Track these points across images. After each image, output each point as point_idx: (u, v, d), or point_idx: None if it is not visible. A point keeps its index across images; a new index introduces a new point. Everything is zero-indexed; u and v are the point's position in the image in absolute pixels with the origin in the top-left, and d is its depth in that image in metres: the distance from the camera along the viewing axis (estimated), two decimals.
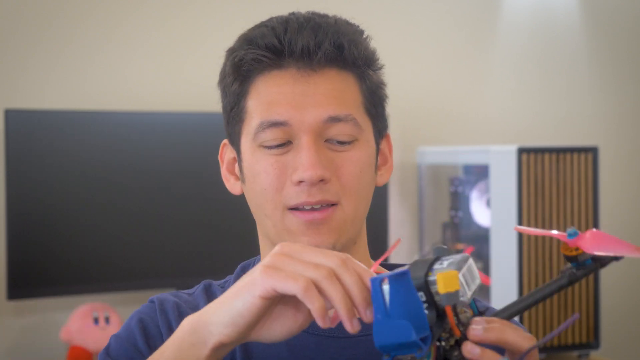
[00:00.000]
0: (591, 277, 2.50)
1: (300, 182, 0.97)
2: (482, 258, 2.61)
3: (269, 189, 0.99)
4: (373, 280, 0.70)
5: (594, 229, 0.78)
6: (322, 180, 0.97)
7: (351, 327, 0.75)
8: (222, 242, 2.46)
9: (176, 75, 2.66)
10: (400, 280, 0.70)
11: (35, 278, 2.32)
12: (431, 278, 0.72)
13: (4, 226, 2.35)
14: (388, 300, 0.71)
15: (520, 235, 2.40)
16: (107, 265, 2.38)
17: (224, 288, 1.07)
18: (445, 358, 0.73)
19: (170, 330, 1.01)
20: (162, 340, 1.00)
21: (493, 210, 2.50)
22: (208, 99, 2.67)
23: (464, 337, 0.74)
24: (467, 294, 0.72)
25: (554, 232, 0.81)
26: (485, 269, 2.61)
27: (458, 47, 3.07)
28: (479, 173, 2.70)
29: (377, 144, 1.05)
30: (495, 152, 2.51)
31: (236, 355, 1.00)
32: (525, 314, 2.41)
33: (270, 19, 1.03)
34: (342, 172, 0.99)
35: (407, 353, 0.71)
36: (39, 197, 2.32)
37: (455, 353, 0.73)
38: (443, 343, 0.73)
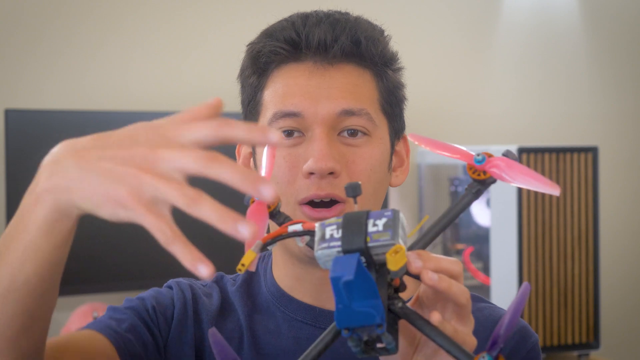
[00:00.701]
0: (591, 277, 2.50)
1: (311, 174, 0.96)
2: (482, 258, 2.61)
3: (280, 181, 0.98)
4: (333, 280, 0.70)
5: (501, 157, 0.80)
6: (332, 173, 0.96)
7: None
8: (223, 241, 2.45)
9: (176, 75, 2.66)
10: (357, 272, 0.71)
11: None
12: (371, 244, 0.73)
13: (4, 226, 2.36)
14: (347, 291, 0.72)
15: (520, 236, 2.40)
16: (107, 265, 2.38)
17: (235, 281, 1.09)
18: (389, 310, 0.75)
19: (184, 306, 1.04)
20: (172, 310, 1.04)
21: (493, 210, 2.50)
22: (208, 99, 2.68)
23: (402, 285, 0.77)
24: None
25: (461, 149, 0.82)
26: (485, 269, 2.61)
27: (458, 47, 3.07)
28: None
29: (393, 143, 1.05)
30: (495, 152, 2.50)
31: (244, 346, 1.01)
32: (526, 314, 2.41)
33: (292, 15, 1.04)
34: (354, 167, 0.99)
35: (367, 327, 0.72)
36: None
37: (400, 305, 0.75)
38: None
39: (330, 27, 1.00)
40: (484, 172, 0.80)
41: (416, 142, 0.84)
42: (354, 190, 0.79)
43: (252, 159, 1.07)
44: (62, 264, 0.75)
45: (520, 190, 2.41)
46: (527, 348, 1.03)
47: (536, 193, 2.43)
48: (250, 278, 1.09)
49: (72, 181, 0.69)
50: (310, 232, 0.79)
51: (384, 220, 0.74)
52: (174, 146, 0.66)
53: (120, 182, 0.65)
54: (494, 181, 0.80)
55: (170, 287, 1.09)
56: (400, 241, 0.73)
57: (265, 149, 0.89)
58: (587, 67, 3.24)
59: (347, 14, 1.05)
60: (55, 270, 0.74)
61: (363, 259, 0.73)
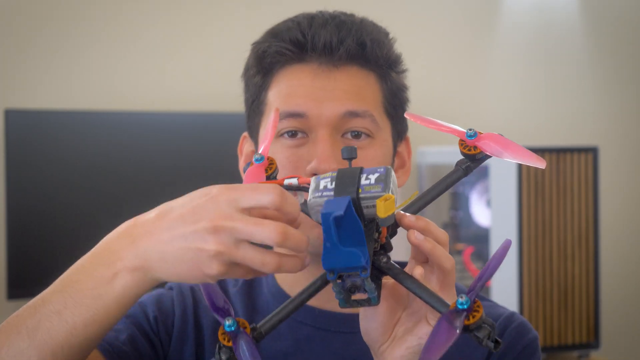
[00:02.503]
0: (591, 277, 2.50)
1: (314, 174, 0.97)
2: (482, 258, 2.61)
3: None
4: (324, 215, 0.71)
5: (491, 133, 0.83)
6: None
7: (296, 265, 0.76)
8: None
9: (177, 75, 2.66)
10: (347, 213, 0.73)
11: (35, 278, 2.31)
12: (362, 195, 0.75)
13: (4, 226, 2.35)
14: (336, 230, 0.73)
15: (521, 236, 2.40)
16: None
17: (237, 281, 1.09)
18: (373, 265, 0.77)
19: (184, 313, 1.04)
20: (172, 318, 1.04)
21: (493, 210, 2.50)
22: (210, 99, 2.68)
23: (388, 244, 0.79)
24: (396, 205, 0.77)
25: (453, 127, 0.86)
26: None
27: (458, 47, 3.07)
28: (479, 173, 2.70)
29: (395, 145, 1.07)
30: None
31: None
32: (526, 314, 2.41)
33: (298, 15, 1.05)
34: None
35: (352, 271, 0.74)
36: (39, 197, 2.32)
37: (384, 260, 0.78)
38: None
39: (336, 29, 1.00)
40: (475, 147, 0.82)
41: (412, 119, 0.88)
42: (349, 152, 0.81)
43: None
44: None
45: (520, 190, 2.40)
46: (523, 344, 1.03)
47: (536, 193, 2.43)
48: (252, 279, 1.09)
49: (156, 263, 0.75)
50: (305, 188, 0.81)
51: (376, 174, 0.76)
52: (236, 216, 0.73)
53: (199, 260, 0.73)
54: (484, 157, 0.83)
55: (171, 288, 1.08)
56: (391, 193, 0.75)
57: (269, 123, 0.90)
58: (587, 67, 3.24)
59: (352, 15, 1.05)
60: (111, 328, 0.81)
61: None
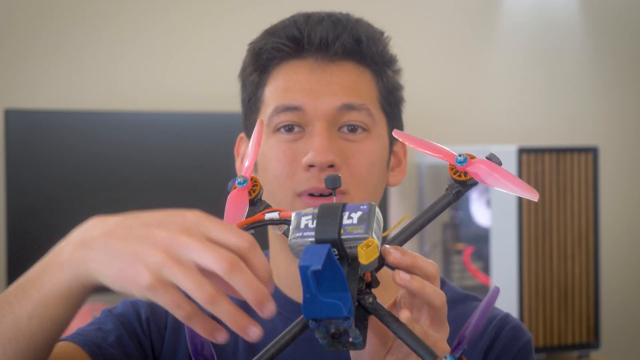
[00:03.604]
0: (591, 276, 2.50)
1: (310, 166, 0.97)
2: (482, 258, 2.61)
3: (280, 175, 0.99)
4: (302, 268, 0.69)
5: (483, 159, 0.79)
6: (332, 166, 0.97)
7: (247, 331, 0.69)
8: None
9: (177, 75, 2.66)
10: (326, 262, 0.70)
11: None
12: (344, 236, 0.72)
13: (4, 226, 2.35)
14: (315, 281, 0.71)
15: (521, 236, 2.40)
16: None
17: None
18: (359, 304, 0.75)
19: None
20: (165, 319, 1.03)
21: (493, 210, 2.50)
22: (210, 99, 2.68)
23: (374, 281, 0.76)
24: (379, 247, 0.74)
25: (443, 149, 0.80)
26: (485, 269, 2.61)
27: (458, 47, 3.07)
28: None
29: (391, 142, 1.06)
30: (495, 152, 2.50)
31: (239, 349, 1.01)
32: (526, 314, 2.41)
33: (295, 14, 1.05)
34: (353, 162, 1.00)
35: (334, 318, 0.72)
36: (39, 197, 2.32)
37: (370, 300, 0.75)
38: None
39: (332, 25, 1.01)
40: (465, 174, 0.79)
41: (400, 139, 0.84)
42: (333, 182, 0.80)
43: None
44: (67, 326, 0.78)
45: None
46: (519, 346, 1.03)
47: None
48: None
49: (97, 257, 0.72)
50: (287, 221, 0.79)
51: (359, 213, 0.74)
52: (198, 238, 0.69)
53: (141, 264, 0.68)
54: (474, 183, 0.80)
55: None
56: (374, 235, 0.73)
57: (252, 139, 0.87)
58: (587, 67, 3.24)
59: (348, 14, 1.06)
60: (60, 330, 0.77)
61: (335, 251, 0.73)
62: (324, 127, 0.99)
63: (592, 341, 2.50)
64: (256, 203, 0.83)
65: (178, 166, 2.46)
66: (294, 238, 0.75)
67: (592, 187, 2.49)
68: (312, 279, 0.69)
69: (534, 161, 2.43)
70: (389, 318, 0.75)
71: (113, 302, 2.64)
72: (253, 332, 0.68)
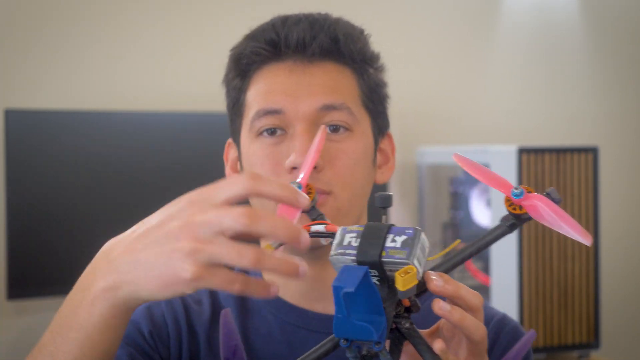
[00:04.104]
0: (591, 277, 2.50)
1: (293, 168, 0.97)
2: (482, 258, 2.61)
3: None
4: (335, 288, 0.68)
5: (541, 195, 0.77)
6: (314, 167, 0.96)
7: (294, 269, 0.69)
8: None
9: (177, 75, 2.66)
10: (362, 283, 0.70)
11: (35, 278, 2.31)
12: (385, 259, 0.72)
13: (4, 226, 2.35)
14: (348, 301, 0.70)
15: (521, 236, 2.40)
16: None
17: None
18: (395, 328, 0.74)
19: (176, 321, 1.03)
20: (166, 329, 1.02)
21: (493, 210, 2.50)
22: (210, 99, 2.68)
23: (414, 306, 0.75)
24: (420, 273, 0.73)
25: (501, 179, 0.80)
26: (485, 269, 2.61)
27: (458, 47, 3.07)
28: None
29: (377, 140, 1.06)
30: (495, 152, 2.50)
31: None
32: (526, 314, 2.41)
33: (274, 17, 1.05)
34: (336, 162, 0.99)
35: (366, 341, 0.71)
36: (39, 197, 2.32)
37: (407, 325, 0.74)
38: (394, 312, 0.74)
39: (308, 26, 1.01)
40: (520, 207, 0.78)
41: (459, 163, 0.82)
42: (384, 201, 0.78)
43: (238, 163, 1.07)
44: (115, 351, 0.76)
45: None
46: (508, 332, 1.03)
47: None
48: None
49: (128, 275, 0.71)
50: (332, 235, 0.78)
51: (403, 237, 0.73)
52: (209, 210, 0.68)
53: (177, 261, 0.67)
54: (529, 218, 0.78)
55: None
56: (415, 262, 0.72)
57: (312, 145, 0.87)
58: (587, 67, 3.24)
59: (327, 14, 1.05)
60: (112, 356, 0.76)
61: (376, 273, 0.72)
62: (305, 128, 0.98)
63: (592, 341, 2.50)
64: (309, 211, 0.84)
65: (178, 166, 2.46)
66: (335, 254, 0.74)
67: (592, 187, 2.49)
68: (343, 300, 0.68)
69: (534, 161, 2.43)
70: (422, 346, 0.74)
71: None
72: (303, 268, 0.68)
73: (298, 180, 0.83)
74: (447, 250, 0.80)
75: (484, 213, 2.65)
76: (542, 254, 2.43)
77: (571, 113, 3.21)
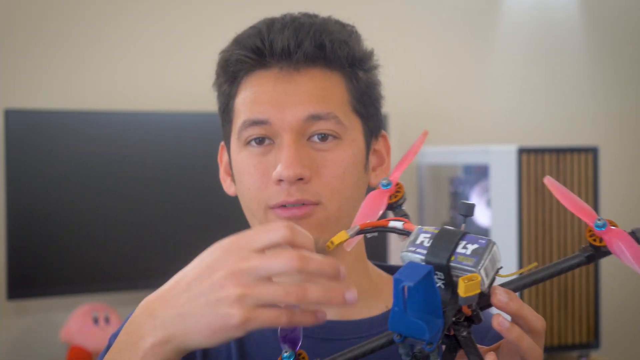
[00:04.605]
0: (591, 277, 2.50)
1: (280, 180, 0.96)
2: None
3: (252, 188, 0.99)
4: (396, 281, 0.70)
5: (625, 232, 0.77)
6: (301, 179, 0.96)
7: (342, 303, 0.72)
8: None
9: (177, 75, 2.66)
10: (423, 280, 0.70)
11: (35, 278, 2.31)
12: (453, 264, 0.73)
13: (4, 226, 2.35)
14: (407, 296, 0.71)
15: (521, 236, 2.40)
16: (107, 265, 2.38)
17: None
18: (453, 334, 0.74)
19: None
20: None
21: (493, 210, 2.50)
22: (210, 99, 2.67)
23: (476, 317, 0.75)
24: (485, 285, 0.73)
25: (586, 208, 0.78)
26: None
27: (458, 47, 3.07)
28: (479, 173, 2.70)
29: (369, 143, 1.04)
30: (495, 152, 2.50)
31: (231, 355, 1.00)
32: None
33: (260, 21, 1.03)
34: (324, 172, 0.98)
35: (418, 340, 0.72)
36: (38, 197, 2.32)
37: (464, 333, 0.74)
38: (453, 318, 0.74)
39: (293, 33, 0.99)
40: (601, 239, 0.77)
41: (549, 188, 0.81)
42: (467, 210, 0.79)
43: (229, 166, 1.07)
44: None
45: (520, 190, 2.40)
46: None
47: (536, 193, 2.43)
48: None
49: (176, 329, 0.73)
50: (408, 233, 0.80)
51: (475, 246, 0.74)
52: (251, 257, 0.72)
53: (225, 308, 0.71)
54: (608, 253, 0.77)
55: None
56: (482, 272, 0.72)
57: (410, 148, 0.88)
58: (587, 67, 3.24)
59: (314, 16, 1.03)
60: None
61: (442, 276, 0.73)
62: (292, 138, 0.97)
63: (592, 341, 2.50)
64: (395, 209, 0.84)
65: (178, 166, 2.46)
66: (406, 251, 0.75)
67: (592, 187, 2.49)
68: (401, 294, 0.69)
69: (534, 161, 2.43)
70: (475, 357, 0.74)
71: (113, 302, 2.65)
72: (352, 294, 0.71)
73: (389, 177, 0.85)
74: (522, 270, 0.79)
75: (484, 213, 2.65)
76: (542, 254, 2.43)
77: (571, 113, 3.21)
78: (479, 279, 0.71)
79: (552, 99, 3.20)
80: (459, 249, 0.74)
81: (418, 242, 0.75)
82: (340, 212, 0.99)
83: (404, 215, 0.83)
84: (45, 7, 2.52)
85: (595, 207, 2.49)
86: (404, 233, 0.81)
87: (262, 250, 0.72)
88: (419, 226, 0.77)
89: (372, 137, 1.04)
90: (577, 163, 2.48)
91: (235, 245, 0.73)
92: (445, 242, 0.74)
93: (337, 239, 0.81)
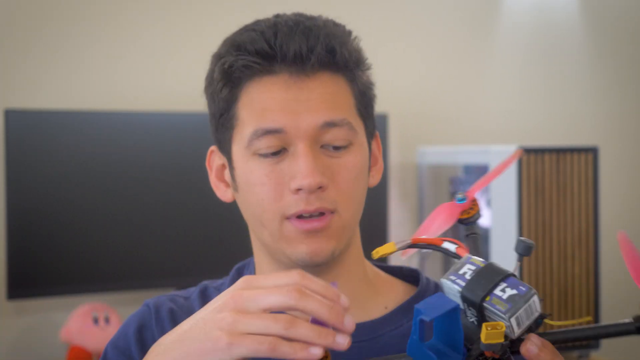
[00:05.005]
0: (591, 277, 2.50)
1: (299, 190, 0.94)
2: (482, 258, 2.61)
3: (266, 199, 0.96)
4: (416, 310, 0.69)
5: None
6: (320, 187, 0.94)
7: (341, 342, 0.74)
8: (222, 241, 2.45)
9: (177, 75, 2.66)
10: (442, 317, 0.69)
11: (35, 278, 2.31)
12: (486, 304, 0.71)
13: (4, 226, 2.35)
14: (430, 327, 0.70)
15: (520, 236, 2.40)
16: (107, 265, 2.38)
17: (219, 290, 1.05)
18: None
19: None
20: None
21: (493, 210, 2.50)
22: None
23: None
24: (515, 333, 0.71)
25: None
26: None
27: (458, 47, 3.07)
28: (479, 173, 2.70)
29: (369, 145, 1.03)
30: (495, 152, 2.50)
31: None
32: None
33: (257, 23, 1.00)
34: (339, 178, 0.96)
35: None
36: (38, 197, 2.32)
37: None
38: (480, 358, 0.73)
39: (304, 37, 0.96)
40: None
41: (621, 244, 0.78)
42: (525, 250, 0.77)
43: (226, 171, 1.04)
44: None
45: (520, 190, 2.40)
46: None
47: (536, 193, 2.43)
48: (239, 272, 1.08)
49: (176, 352, 0.78)
50: (457, 257, 0.79)
51: (514, 291, 0.71)
52: (254, 289, 0.77)
53: (216, 331, 0.75)
54: None
55: (150, 316, 1.04)
56: (513, 321, 0.70)
57: (498, 166, 0.87)
58: (587, 67, 3.24)
59: (313, 18, 1.00)
60: None
61: (475, 313, 0.72)
62: (307, 146, 0.95)
63: (592, 341, 2.50)
64: (467, 225, 0.83)
65: (178, 166, 2.45)
66: (447, 279, 0.74)
67: (592, 187, 2.49)
68: (418, 325, 0.69)
69: (534, 161, 2.43)
70: None
71: (113, 302, 2.65)
72: (342, 339, 0.73)
73: (466, 192, 0.83)
74: (572, 322, 0.78)
75: (484, 213, 2.65)
76: (542, 254, 2.43)
77: (571, 113, 3.21)
78: (504, 328, 0.69)
79: (552, 99, 3.20)
80: (497, 291, 0.71)
81: (461, 272, 0.74)
82: (353, 219, 0.99)
83: (474, 234, 0.83)
84: (45, 7, 2.52)
85: (595, 207, 2.49)
86: (455, 257, 0.79)
87: (266, 311, 0.75)
88: (469, 255, 0.76)
89: (371, 138, 1.04)
90: (577, 163, 2.48)
91: (238, 289, 0.77)
92: (485, 279, 0.72)
93: (384, 250, 0.80)
